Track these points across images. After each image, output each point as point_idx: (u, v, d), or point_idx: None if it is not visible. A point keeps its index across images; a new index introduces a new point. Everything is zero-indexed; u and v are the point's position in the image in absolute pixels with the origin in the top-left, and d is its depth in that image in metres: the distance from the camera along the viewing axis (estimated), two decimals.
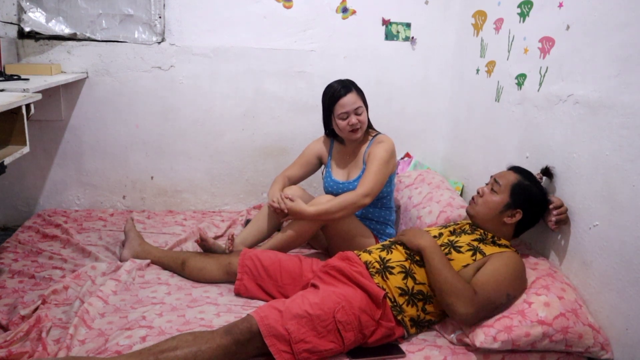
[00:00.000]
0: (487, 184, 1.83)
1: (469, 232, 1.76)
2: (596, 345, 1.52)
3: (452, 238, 1.74)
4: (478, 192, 1.80)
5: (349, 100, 2.10)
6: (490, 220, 1.74)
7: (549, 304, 1.54)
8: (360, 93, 2.16)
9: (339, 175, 2.26)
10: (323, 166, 2.36)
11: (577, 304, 1.57)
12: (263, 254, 1.90)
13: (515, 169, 1.81)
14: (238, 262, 1.87)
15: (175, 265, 2.01)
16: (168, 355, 1.34)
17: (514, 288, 1.59)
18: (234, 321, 1.49)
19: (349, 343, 1.50)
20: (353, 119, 2.11)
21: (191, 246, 2.28)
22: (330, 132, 2.27)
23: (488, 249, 1.67)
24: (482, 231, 1.75)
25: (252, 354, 1.45)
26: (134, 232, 2.17)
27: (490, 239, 1.72)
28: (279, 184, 2.25)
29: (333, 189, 2.23)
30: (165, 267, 2.04)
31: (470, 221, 1.84)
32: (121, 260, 2.07)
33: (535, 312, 1.52)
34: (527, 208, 1.72)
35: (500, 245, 1.69)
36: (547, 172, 1.83)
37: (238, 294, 1.85)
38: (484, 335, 1.49)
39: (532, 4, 2.04)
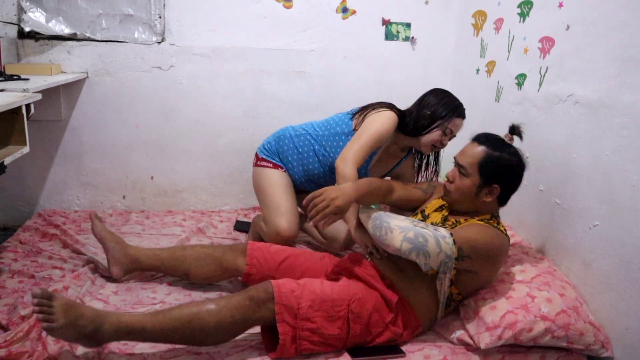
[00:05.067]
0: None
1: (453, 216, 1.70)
2: (597, 343, 1.52)
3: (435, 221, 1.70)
4: (448, 179, 1.67)
5: (461, 126, 2.00)
6: (468, 203, 1.65)
7: (551, 300, 1.54)
8: None
9: (375, 168, 2.12)
10: None
11: (577, 302, 1.59)
12: (273, 248, 1.84)
13: (480, 140, 1.64)
14: (246, 262, 1.79)
15: (177, 274, 1.86)
16: (181, 306, 1.43)
17: (477, 253, 1.52)
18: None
19: (353, 335, 1.49)
20: (446, 142, 1.99)
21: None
22: (409, 127, 1.99)
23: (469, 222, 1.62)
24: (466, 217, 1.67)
25: (264, 318, 1.45)
26: (109, 236, 1.85)
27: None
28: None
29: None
30: (161, 272, 1.89)
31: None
32: (115, 277, 1.84)
33: (538, 306, 1.52)
34: (503, 179, 1.60)
35: (483, 220, 1.63)
36: (515, 130, 1.67)
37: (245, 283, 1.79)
38: (490, 337, 1.49)
39: (532, 4, 2.04)
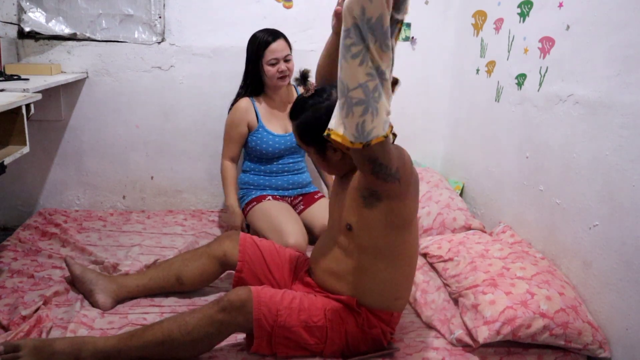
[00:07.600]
0: None
1: None
2: (594, 342, 1.52)
3: None
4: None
5: (279, 47, 2.18)
6: (338, 168, 1.52)
7: (551, 298, 1.55)
8: (288, 42, 2.25)
9: (277, 130, 2.31)
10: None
11: (576, 301, 1.59)
12: (262, 243, 1.81)
13: (291, 117, 1.52)
14: (238, 257, 1.75)
15: (169, 283, 1.80)
16: (154, 326, 1.42)
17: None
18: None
19: (330, 343, 1.48)
20: (282, 66, 2.18)
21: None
22: (250, 88, 2.31)
23: None
24: None
25: (241, 327, 1.45)
26: (89, 271, 1.79)
27: None
28: (233, 182, 2.31)
29: (278, 144, 2.28)
30: (154, 292, 1.81)
31: None
32: (103, 309, 1.71)
33: (537, 304, 1.52)
34: (319, 135, 1.32)
35: None
36: (304, 78, 1.53)
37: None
38: (488, 332, 1.50)
39: (532, 4, 2.04)
